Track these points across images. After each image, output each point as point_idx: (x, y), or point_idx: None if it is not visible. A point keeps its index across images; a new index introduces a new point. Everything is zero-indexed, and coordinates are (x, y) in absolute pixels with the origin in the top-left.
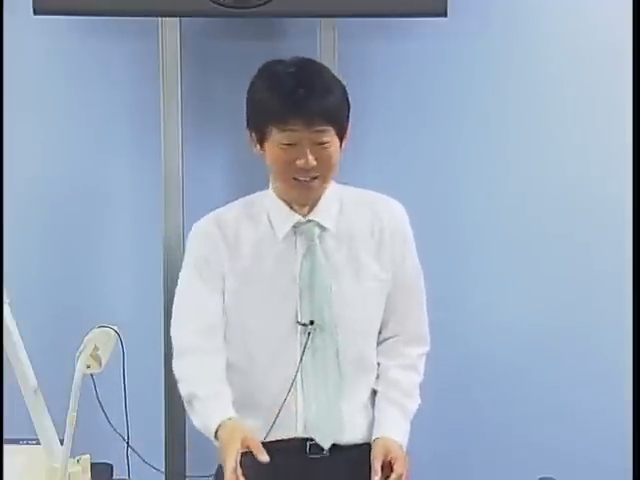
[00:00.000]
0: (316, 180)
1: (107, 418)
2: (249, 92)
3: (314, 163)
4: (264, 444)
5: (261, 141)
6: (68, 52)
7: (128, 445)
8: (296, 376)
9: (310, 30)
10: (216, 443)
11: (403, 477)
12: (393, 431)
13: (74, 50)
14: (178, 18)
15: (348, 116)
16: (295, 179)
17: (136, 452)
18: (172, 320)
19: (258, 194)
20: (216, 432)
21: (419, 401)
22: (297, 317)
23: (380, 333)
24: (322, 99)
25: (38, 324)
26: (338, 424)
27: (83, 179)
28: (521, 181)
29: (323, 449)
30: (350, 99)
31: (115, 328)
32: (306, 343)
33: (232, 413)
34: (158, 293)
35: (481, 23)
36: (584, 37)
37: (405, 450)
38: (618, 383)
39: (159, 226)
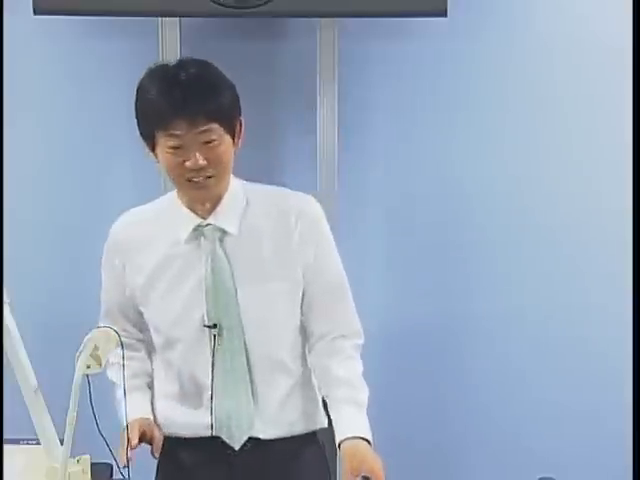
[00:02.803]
0: (210, 179)
1: (97, 426)
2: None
3: (203, 163)
4: (183, 439)
5: (152, 147)
6: (68, 52)
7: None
8: (209, 377)
9: (310, 30)
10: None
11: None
12: (355, 429)
13: (74, 50)
14: (178, 18)
15: (238, 112)
16: (189, 181)
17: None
18: None
19: (168, 195)
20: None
21: (367, 389)
22: (204, 320)
23: (312, 334)
24: (202, 98)
25: (38, 324)
26: (247, 423)
27: (83, 179)
28: (520, 181)
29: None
30: (350, 99)
31: (115, 328)
32: (214, 346)
33: (146, 414)
34: None
35: (481, 23)
36: (583, 37)
37: (371, 440)
38: (618, 383)
39: None
